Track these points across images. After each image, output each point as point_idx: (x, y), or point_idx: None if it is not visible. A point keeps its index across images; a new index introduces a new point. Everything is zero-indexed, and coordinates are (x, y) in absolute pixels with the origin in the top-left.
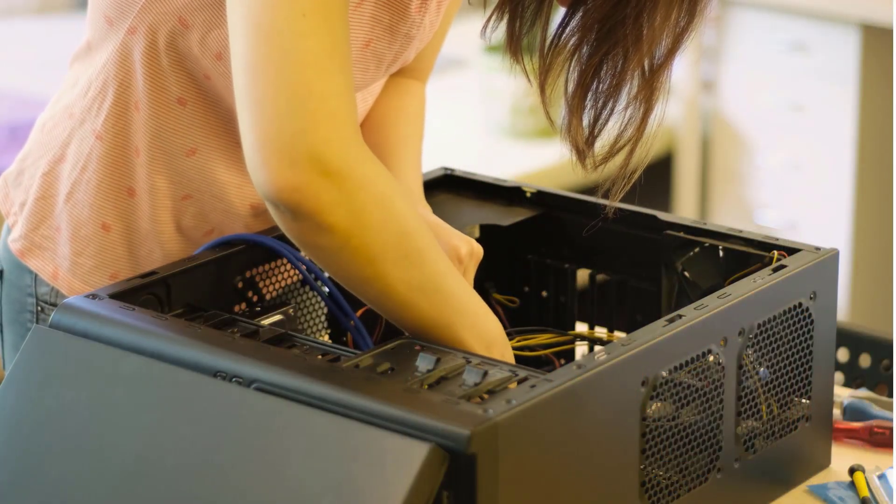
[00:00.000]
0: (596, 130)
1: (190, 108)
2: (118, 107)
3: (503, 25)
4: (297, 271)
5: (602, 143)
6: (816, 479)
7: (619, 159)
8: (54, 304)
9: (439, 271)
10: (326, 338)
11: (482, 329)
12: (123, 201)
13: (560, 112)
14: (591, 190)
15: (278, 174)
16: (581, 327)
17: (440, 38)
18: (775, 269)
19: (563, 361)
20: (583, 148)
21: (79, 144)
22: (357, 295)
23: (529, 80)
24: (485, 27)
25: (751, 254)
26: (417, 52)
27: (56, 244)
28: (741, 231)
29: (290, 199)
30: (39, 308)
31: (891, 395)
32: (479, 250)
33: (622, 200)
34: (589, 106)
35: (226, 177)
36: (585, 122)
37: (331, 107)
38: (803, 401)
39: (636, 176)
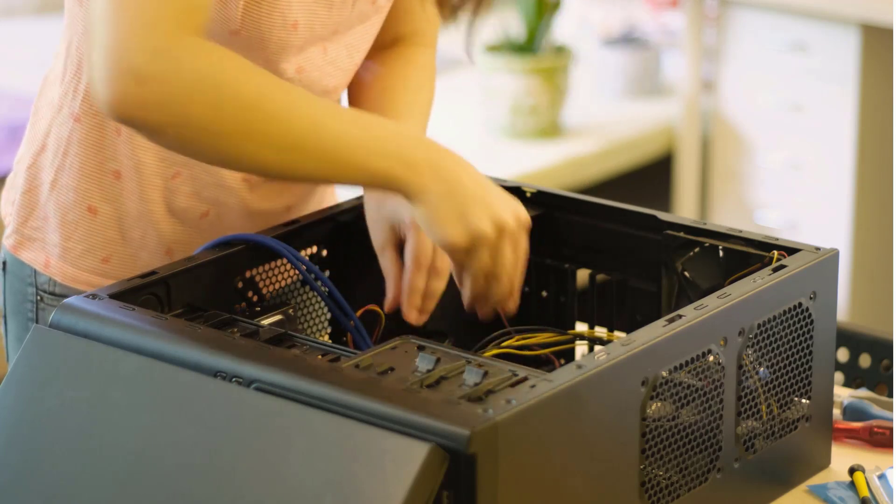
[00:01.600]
0: None
1: None
2: None
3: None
4: (297, 271)
5: None
6: (816, 479)
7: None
8: (53, 294)
9: (312, 124)
10: (326, 338)
11: (406, 153)
12: (109, 184)
13: None
14: (591, 190)
15: (104, 94)
16: (581, 327)
17: None
18: (775, 269)
19: (563, 361)
20: None
21: (58, 130)
22: (239, 171)
23: None
24: None
25: (751, 254)
26: None
27: (45, 234)
28: (741, 231)
29: (122, 114)
30: (39, 297)
31: (891, 395)
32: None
33: (622, 200)
34: None
35: None
36: None
37: (146, 17)
38: (803, 401)
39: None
